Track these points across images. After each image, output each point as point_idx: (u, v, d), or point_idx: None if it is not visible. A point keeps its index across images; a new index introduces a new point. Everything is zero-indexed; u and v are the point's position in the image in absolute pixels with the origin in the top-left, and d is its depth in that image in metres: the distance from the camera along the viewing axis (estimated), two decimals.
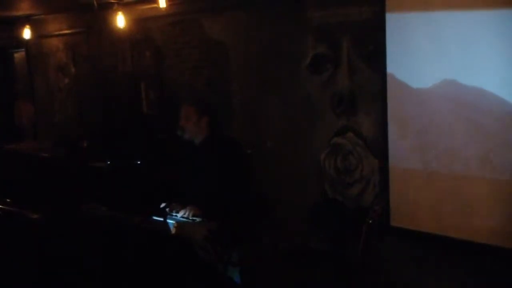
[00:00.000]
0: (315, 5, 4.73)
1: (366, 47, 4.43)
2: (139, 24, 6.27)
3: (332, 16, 4.63)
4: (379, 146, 4.40)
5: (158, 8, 5.39)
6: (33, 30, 7.10)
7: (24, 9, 6.68)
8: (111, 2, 5.86)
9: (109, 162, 5.58)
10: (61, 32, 7.34)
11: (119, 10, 5.87)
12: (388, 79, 4.17)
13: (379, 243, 4.36)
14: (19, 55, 8.49)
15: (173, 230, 3.57)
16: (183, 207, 3.88)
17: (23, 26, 7.04)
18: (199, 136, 4.00)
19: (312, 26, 4.77)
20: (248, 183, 4.01)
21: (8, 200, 4.41)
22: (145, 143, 5.99)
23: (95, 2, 5.55)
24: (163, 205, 3.86)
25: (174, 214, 3.84)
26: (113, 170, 5.46)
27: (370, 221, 3.74)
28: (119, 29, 5.99)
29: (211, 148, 3.97)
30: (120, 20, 5.89)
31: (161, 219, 3.55)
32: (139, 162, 5.34)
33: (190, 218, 3.77)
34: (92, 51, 7.04)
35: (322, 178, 4.89)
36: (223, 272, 3.67)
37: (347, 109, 4.63)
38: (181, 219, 3.77)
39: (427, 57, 3.93)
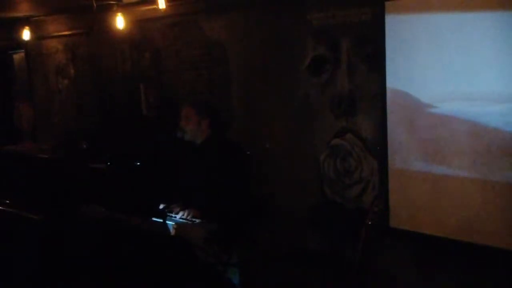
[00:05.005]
0: (314, 7, 4.73)
1: (366, 48, 4.43)
2: (139, 25, 6.27)
3: (331, 17, 4.63)
4: (378, 148, 4.40)
5: (157, 9, 5.39)
6: (32, 31, 7.10)
7: (23, 10, 6.68)
8: (111, 3, 5.86)
9: (108, 163, 5.58)
10: (60, 33, 7.34)
11: (118, 11, 5.87)
12: (388, 80, 4.17)
13: (378, 244, 4.36)
14: (18, 56, 8.49)
15: (172, 231, 3.57)
16: (182, 208, 3.88)
17: (22, 27, 7.03)
18: (200, 138, 4.00)
19: (312, 28, 4.78)
20: (247, 184, 4.01)
21: (7, 201, 4.41)
22: (144, 144, 5.99)
23: (94, 3, 5.54)
24: (162, 206, 3.87)
25: (173, 215, 3.85)
26: (112, 171, 5.46)
27: (370, 222, 3.75)
28: (119, 30, 5.99)
29: (211, 149, 3.98)
30: (120, 21, 5.89)
31: (161, 220, 3.55)
32: (138, 163, 5.34)
33: (190, 219, 3.77)
34: (91, 52, 7.04)
35: (321, 179, 4.89)
36: (223, 273, 3.67)
37: (347, 111, 4.64)
38: (181, 220, 3.77)
39: (426, 59, 3.94)
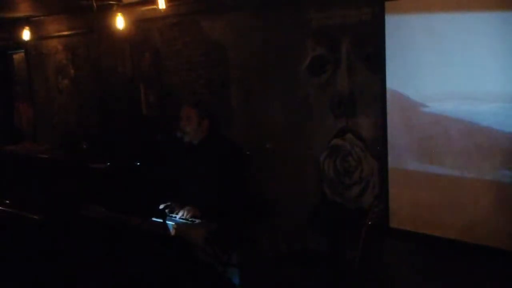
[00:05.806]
0: (314, 7, 4.73)
1: (366, 48, 4.43)
2: (139, 25, 6.27)
3: (331, 17, 4.63)
4: (378, 147, 4.40)
5: (157, 10, 5.39)
6: (32, 31, 7.10)
7: (23, 11, 6.69)
8: (111, 4, 5.86)
9: (108, 163, 5.59)
10: (60, 34, 7.34)
11: (118, 12, 5.87)
12: (388, 80, 4.17)
13: (378, 244, 4.36)
14: (18, 56, 8.49)
15: (172, 231, 3.58)
16: (182, 208, 3.89)
17: (22, 27, 7.03)
18: (200, 138, 4.01)
19: (312, 28, 4.78)
20: (247, 184, 4.02)
21: (7, 201, 4.41)
22: (144, 144, 5.99)
23: (94, 4, 5.55)
24: (162, 206, 3.87)
25: (173, 215, 3.85)
26: (112, 171, 5.46)
27: (369, 223, 3.76)
28: (119, 30, 5.99)
29: (209, 148, 3.98)
30: (120, 22, 5.89)
31: (161, 220, 3.55)
32: (138, 163, 5.34)
33: (189, 219, 3.78)
34: (91, 52, 7.04)
35: (321, 179, 4.89)
36: (223, 273, 3.67)
37: (347, 111, 4.64)
38: (181, 220, 3.78)
39: (426, 59, 3.93)
